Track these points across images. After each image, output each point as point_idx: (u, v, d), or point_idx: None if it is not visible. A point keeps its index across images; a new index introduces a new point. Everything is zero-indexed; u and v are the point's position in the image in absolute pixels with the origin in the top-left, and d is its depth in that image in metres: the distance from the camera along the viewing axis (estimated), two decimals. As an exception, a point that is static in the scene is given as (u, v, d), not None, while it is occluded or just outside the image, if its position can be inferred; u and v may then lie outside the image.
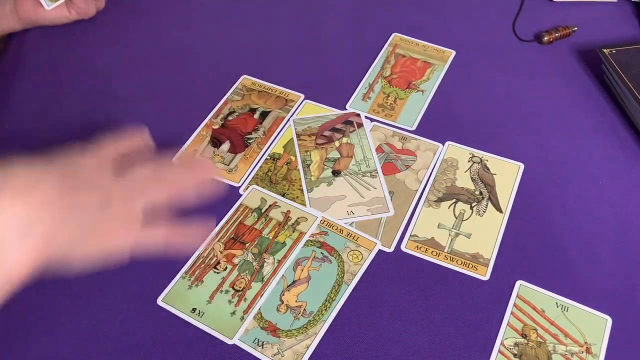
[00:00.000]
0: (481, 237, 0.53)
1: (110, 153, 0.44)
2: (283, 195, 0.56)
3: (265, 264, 0.51)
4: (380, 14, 0.75)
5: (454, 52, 0.69)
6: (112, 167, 0.43)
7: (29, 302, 0.48)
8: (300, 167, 0.58)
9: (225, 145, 0.61)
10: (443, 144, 0.60)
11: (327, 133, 0.61)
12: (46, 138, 0.62)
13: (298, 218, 0.54)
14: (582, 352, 0.46)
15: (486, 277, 0.50)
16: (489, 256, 0.52)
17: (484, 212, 0.55)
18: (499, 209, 0.55)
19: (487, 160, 0.59)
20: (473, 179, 0.57)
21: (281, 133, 0.62)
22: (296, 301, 0.49)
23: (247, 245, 0.52)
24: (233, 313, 0.48)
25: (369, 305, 0.49)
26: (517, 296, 0.49)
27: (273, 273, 0.51)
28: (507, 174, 0.58)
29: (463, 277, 0.51)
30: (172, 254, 0.43)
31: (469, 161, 0.59)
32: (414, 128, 0.62)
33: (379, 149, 0.60)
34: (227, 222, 0.54)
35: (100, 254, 0.40)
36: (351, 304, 0.49)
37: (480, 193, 0.56)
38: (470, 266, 0.51)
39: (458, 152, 0.59)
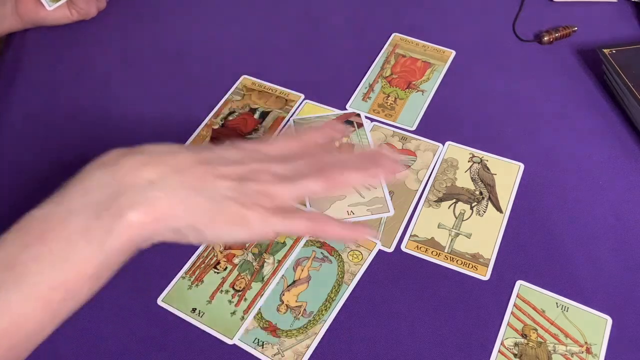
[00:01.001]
0: (481, 237, 0.53)
1: (276, 147, 0.41)
2: (283, 195, 0.56)
3: (265, 264, 0.51)
4: (380, 14, 0.75)
5: (454, 52, 0.70)
6: (269, 151, 0.40)
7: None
8: (300, 167, 0.58)
9: (226, 146, 0.60)
10: (443, 144, 0.60)
11: (327, 133, 0.61)
12: (46, 138, 0.62)
13: (298, 218, 0.54)
14: (582, 352, 0.46)
15: (486, 277, 0.50)
16: (489, 256, 0.52)
17: (484, 212, 0.55)
18: (499, 209, 0.55)
19: (487, 160, 0.59)
20: (473, 179, 0.57)
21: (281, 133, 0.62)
22: (296, 301, 0.49)
23: (247, 245, 0.52)
24: (233, 313, 0.48)
25: (369, 305, 0.49)
26: (517, 296, 0.49)
27: (273, 273, 0.51)
28: (507, 174, 0.58)
29: (463, 277, 0.51)
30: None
31: (469, 161, 0.59)
32: (414, 128, 0.62)
33: (379, 149, 0.60)
34: (227, 222, 0.54)
35: (231, 233, 0.37)
36: (351, 304, 0.49)
37: (480, 193, 0.56)
38: (470, 266, 0.51)
39: (458, 152, 0.59)
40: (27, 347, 0.35)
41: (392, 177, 0.41)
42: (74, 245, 0.34)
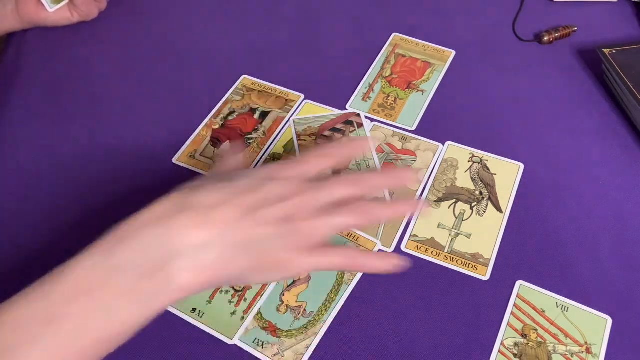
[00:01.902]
0: (481, 237, 0.53)
1: (312, 166, 0.42)
2: (283, 196, 0.56)
3: (265, 264, 0.51)
4: (380, 14, 0.75)
5: (454, 52, 0.70)
6: (305, 180, 0.41)
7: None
8: (300, 167, 0.58)
9: (226, 146, 0.61)
10: (443, 144, 0.60)
11: (327, 133, 0.61)
12: (46, 138, 0.62)
13: (298, 218, 0.54)
14: (582, 352, 0.46)
15: (486, 277, 0.50)
16: (489, 256, 0.52)
17: (484, 212, 0.55)
18: (499, 209, 0.55)
19: (487, 160, 0.59)
20: (473, 179, 0.57)
21: (281, 133, 0.62)
22: (296, 301, 0.49)
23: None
24: (233, 313, 0.48)
25: (369, 305, 0.49)
26: (517, 296, 0.49)
27: (273, 273, 0.51)
28: (507, 174, 0.58)
29: (463, 277, 0.51)
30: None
31: (469, 161, 0.59)
32: (414, 128, 0.62)
33: (379, 149, 0.60)
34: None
35: (270, 277, 0.40)
36: (351, 304, 0.49)
37: (480, 193, 0.56)
38: (470, 266, 0.51)
39: (458, 152, 0.59)
40: None
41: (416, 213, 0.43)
42: (120, 304, 0.34)
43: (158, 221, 0.36)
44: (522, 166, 0.58)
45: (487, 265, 0.51)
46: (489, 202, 0.56)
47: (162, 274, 0.35)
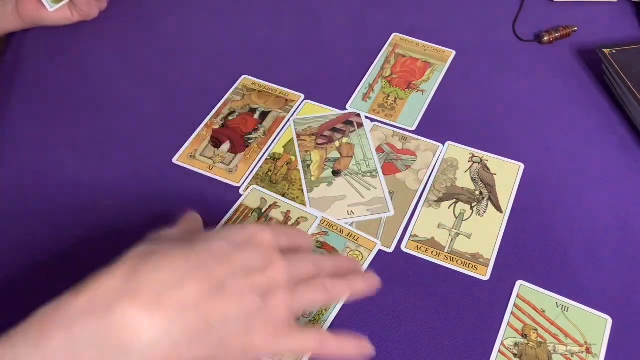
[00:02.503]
0: (481, 237, 0.53)
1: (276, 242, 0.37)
2: (283, 195, 0.56)
3: (265, 264, 0.51)
4: (380, 14, 0.75)
5: (454, 52, 0.70)
6: (274, 259, 0.35)
7: (33, 303, 0.47)
8: (300, 167, 0.58)
9: (225, 146, 0.61)
10: (443, 144, 0.60)
11: (327, 133, 0.61)
12: (46, 140, 0.62)
13: (298, 218, 0.54)
14: (582, 352, 0.46)
15: (486, 277, 0.50)
16: (489, 256, 0.52)
17: (484, 212, 0.55)
18: (499, 209, 0.55)
19: (487, 160, 0.59)
20: (473, 179, 0.57)
21: (281, 133, 0.62)
22: (296, 301, 0.49)
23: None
24: (233, 313, 0.48)
25: (369, 305, 0.49)
26: (517, 296, 0.49)
27: (273, 273, 0.50)
28: (507, 174, 0.58)
29: (463, 277, 0.51)
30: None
31: (469, 161, 0.59)
32: (414, 128, 0.62)
33: (379, 149, 0.60)
34: (227, 223, 0.54)
35: None
36: (351, 304, 0.49)
37: (481, 193, 0.56)
38: (470, 266, 0.51)
39: (458, 152, 0.59)
40: None
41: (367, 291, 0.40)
42: None
43: (98, 309, 0.30)
44: (522, 166, 0.58)
45: (487, 265, 0.51)
46: (489, 202, 0.56)
47: None
